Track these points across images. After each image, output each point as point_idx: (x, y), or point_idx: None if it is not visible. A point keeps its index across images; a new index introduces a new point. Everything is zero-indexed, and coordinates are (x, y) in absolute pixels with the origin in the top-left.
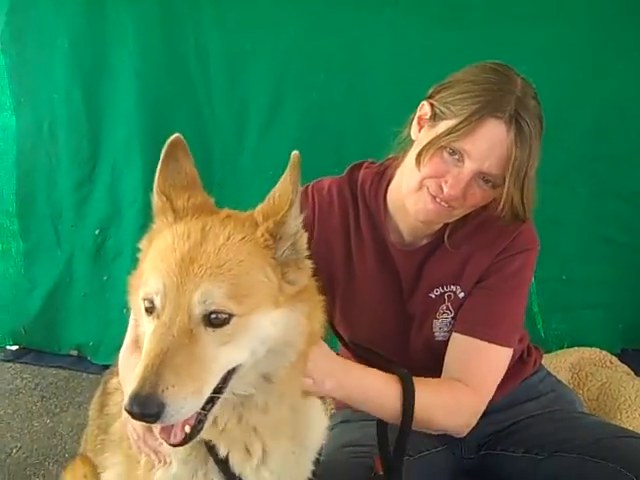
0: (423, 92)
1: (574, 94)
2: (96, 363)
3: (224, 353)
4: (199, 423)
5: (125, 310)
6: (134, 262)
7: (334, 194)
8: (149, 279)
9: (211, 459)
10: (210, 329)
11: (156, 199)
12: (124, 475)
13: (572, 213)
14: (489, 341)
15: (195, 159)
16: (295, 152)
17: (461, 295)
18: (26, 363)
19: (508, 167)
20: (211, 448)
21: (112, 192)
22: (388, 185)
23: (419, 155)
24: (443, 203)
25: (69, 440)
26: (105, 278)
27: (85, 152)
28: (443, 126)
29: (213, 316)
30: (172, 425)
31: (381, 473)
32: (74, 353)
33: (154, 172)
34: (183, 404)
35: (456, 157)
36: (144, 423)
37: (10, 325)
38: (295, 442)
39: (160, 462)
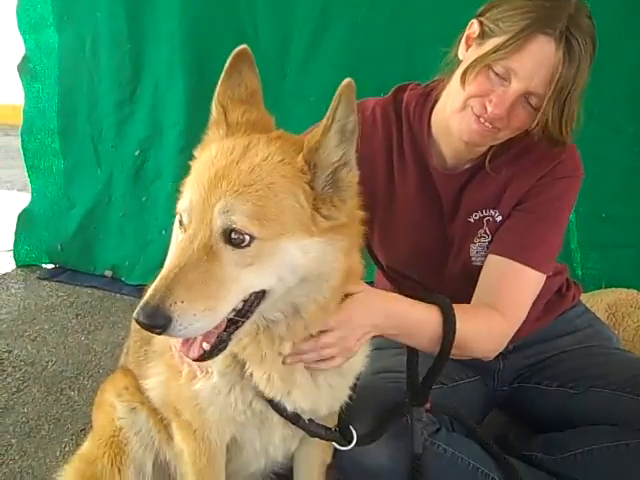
0: (469, 15)
1: (624, 27)
2: (130, 284)
3: (245, 275)
4: (220, 343)
5: (164, 231)
6: (174, 184)
7: (378, 114)
8: (185, 193)
9: (246, 378)
10: (230, 247)
11: (213, 110)
12: (166, 383)
13: (614, 149)
14: (523, 263)
15: None
16: (348, 80)
17: (499, 219)
18: (61, 282)
19: (551, 85)
20: (242, 367)
21: (153, 113)
22: (433, 107)
23: (464, 73)
24: (487, 124)
25: (103, 357)
26: (144, 199)
27: (127, 72)
28: (491, 44)
29: (234, 235)
30: (193, 340)
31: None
32: (108, 274)
33: (196, 94)
34: (192, 320)
35: (502, 77)
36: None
37: (47, 243)
38: (333, 370)
39: (202, 372)
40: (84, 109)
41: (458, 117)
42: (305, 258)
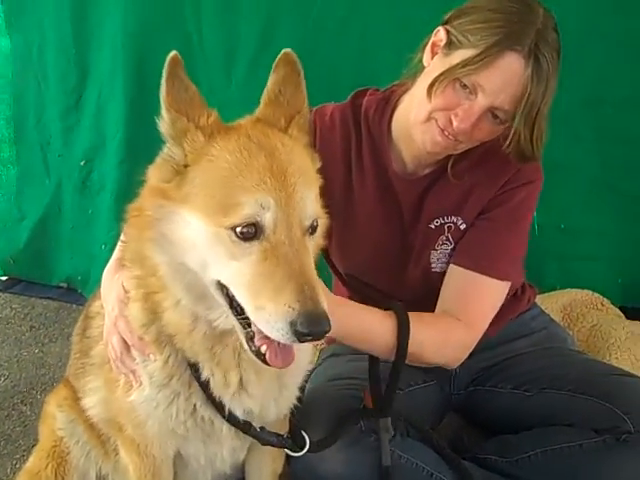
0: (424, 22)
1: (582, 32)
2: (86, 295)
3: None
4: None
5: (104, 246)
6: (118, 197)
7: (337, 119)
8: (243, 204)
9: (195, 383)
10: (311, 237)
11: (173, 120)
12: (105, 400)
13: (575, 158)
14: (487, 274)
15: None
16: (287, 49)
17: (462, 227)
18: (15, 293)
19: (521, 103)
20: (196, 370)
21: (97, 122)
22: (393, 112)
23: (431, 86)
24: (451, 136)
25: (57, 370)
26: (90, 211)
27: (73, 78)
28: (458, 56)
29: (313, 223)
30: (282, 350)
31: (370, 406)
32: (64, 285)
33: (136, 103)
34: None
35: (468, 90)
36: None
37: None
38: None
39: (137, 383)
40: (32, 117)
41: (422, 127)
42: (324, 223)
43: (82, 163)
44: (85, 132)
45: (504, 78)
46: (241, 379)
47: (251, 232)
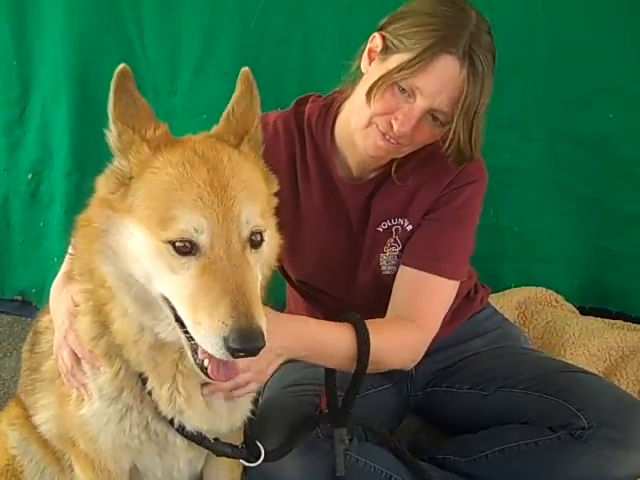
0: (369, 22)
1: (526, 31)
2: (40, 308)
3: (258, 272)
4: None
5: (55, 259)
6: (68, 210)
7: (279, 128)
8: (180, 218)
9: (147, 397)
10: (253, 250)
11: (119, 132)
12: (57, 415)
13: (526, 159)
14: (435, 273)
15: None
16: (245, 68)
17: (409, 228)
18: None
19: (458, 104)
20: (144, 383)
21: (43, 134)
22: (335, 118)
23: (370, 91)
24: (392, 140)
25: (12, 385)
26: (42, 224)
27: (15, 90)
28: (395, 60)
29: (254, 237)
30: (224, 364)
31: (326, 410)
32: (19, 298)
33: (80, 113)
34: (265, 330)
35: (407, 94)
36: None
37: None
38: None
39: (88, 396)
40: None
41: (363, 133)
42: (272, 240)
43: (29, 176)
44: (31, 145)
45: (441, 80)
46: (181, 395)
47: (187, 247)
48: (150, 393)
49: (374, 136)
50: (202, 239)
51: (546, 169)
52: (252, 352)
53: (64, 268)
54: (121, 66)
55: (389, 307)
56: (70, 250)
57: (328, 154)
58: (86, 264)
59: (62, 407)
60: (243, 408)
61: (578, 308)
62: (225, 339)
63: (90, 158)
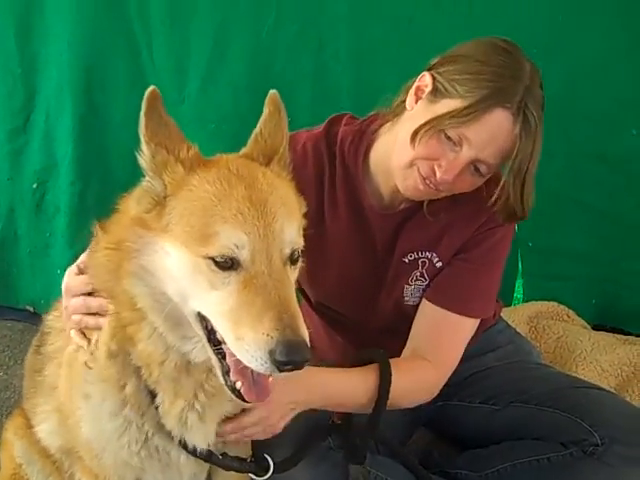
0: (383, 32)
1: (547, 43)
2: None
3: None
4: None
5: (60, 271)
6: (72, 219)
7: (309, 149)
8: (221, 233)
9: (149, 412)
10: (293, 267)
11: (153, 153)
12: (59, 430)
13: (545, 176)
14: (462, 314)
15: (131, 110)
16: (273, 91)
17: (438, 264)
18: None
19: (509, 160)
20: (153, 398)
21: (47, 143)
22: (369, 145)
23: (415, 133)
24: (432, 186)
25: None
26: (48, 235)
27: (19, 98)
28: (444, 105)
29: (295, 254)
30: (256, 384)
31: (338, 422)
32: (30, 308)
33: (85, 121)
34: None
35: (453, 142)
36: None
37: None
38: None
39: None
40: None
41: (404, 173)
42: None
43: (34, 186)
44: (35, 153)
45: (492, 133)
46: (194, 411)
47: (229, 262)
48: (156, 408)
49: (414, 179)
50: (243, 254)
51: (566, 186)
52: (299, 364)
53: (78, 264)
54: (151, 87)
55: (409, 341)
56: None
57: (358, 180)
58: (110, 288)
59: (63, 421)
60: None
61: (595, 327)
62: (271, 352)
63: (94, 167)
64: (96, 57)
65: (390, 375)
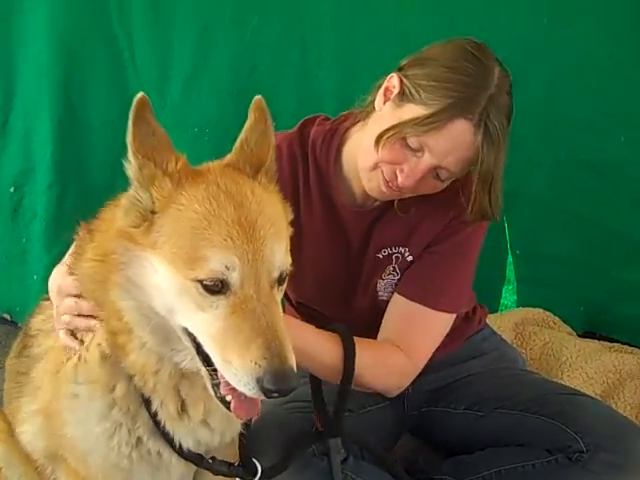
0: (368, 38)
1: (531, 48)
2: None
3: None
4: None
5: (35, 277)
6: (48, 225)
7: (283, 150)
8: (210, 257)
9: (143, 415)
10: (280, 288)
11: (140, 166)
12: (42, 432)
13: (531, 183)
14: (432, 307)
15: (111, 114)
16: (258, 97)
17: (409, 258)
18: None
19: (473, 167)
20: (147, 403)
21: (25, 145)
22: (340, 144)
23: (379, 138)
24: (395, 189)
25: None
26: (24, 240)
27: None
28: (409, 111)
29: (282, 275)
30: (247, 400)
31: (321, 429)
32: (7, 317)
33: (64, 124)
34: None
35: (416, 148)
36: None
37: None
38: None
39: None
40: None
41: (368, 175)
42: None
43: (12, 190)
44: (13, 157)
45: (453, 143)
46: (204, 412)
47: (218, 286)
48: (152, 412)
49: (378, 181)
50: (233, 278)
51: (553, 194)
52: (286, 392)
53: (65, 262)
54: (140, 95)
55: (380, 331)
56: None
57: (330, 179)
58: (97, 297)
59: (49, 423)
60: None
61: (583, 335)
62: (259, 380)
63: (72, 171)
64: (76, 59)
65: (353, 343)
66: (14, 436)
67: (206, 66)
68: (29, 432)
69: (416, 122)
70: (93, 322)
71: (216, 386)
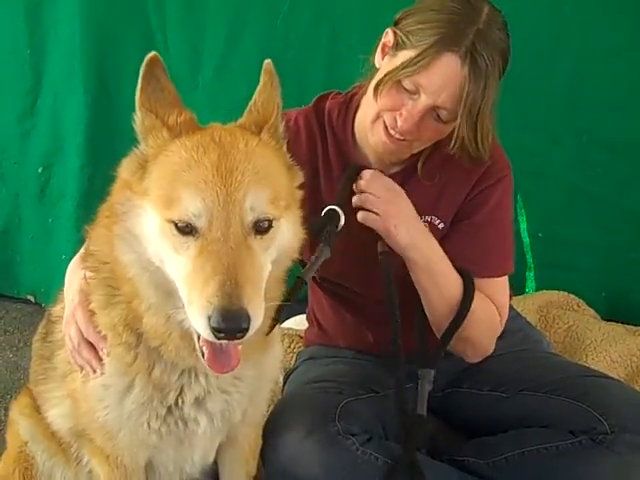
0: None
1: (554, 33)
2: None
3: (265, 259)
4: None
5: (64, 256)
6: (79, 205)
7: (301, 124)
8: (183, 198)
9: (170, 383)
10: (258, 236)
11: (142, 117)
12: (71, 413)
13: (554, 165)
14: (490, 277)
15: None
16: (267, 60)
17: (440, 226)
18: None
19: (460, 103)
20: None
21: (54, 126)
22: (355, 114)
23: (376, 87)
24: (397, 135)
25: None
26: (51, 220)
27: (27, 81)
28: (402, 57)
29: (260, 223)
30: (222, 353)
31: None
32: (31, 298)
33: (97, 105)
34: (260, 314)
35: (411, 91)
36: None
37: None
38: (252, 366)
39: (95, 373)
40: None
41: (372, 128)
42: (288, 233)
43: (40, 170)
44: (42, 137)
45: (443, 78)
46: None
47: (188, 227)
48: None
49: (380, 131)
50: (201, 221)
51: (575, 175)
52: (232, 332)
53: (82, 250)
54: (152, 53)
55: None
56: (88, 244)
57: (350, 149)
58: (106, 258)
59: (76, 407)
60: (261, 396)
61: (605, 321)
62: (208, 318)
63: (104, 151)
64: (109, 40)
65: (474, 285)
66: (38, 413)
67: (237, 50)
68: (57, 414)
69: (406, 64)
70: (95, 361)
71: (199, 338)
